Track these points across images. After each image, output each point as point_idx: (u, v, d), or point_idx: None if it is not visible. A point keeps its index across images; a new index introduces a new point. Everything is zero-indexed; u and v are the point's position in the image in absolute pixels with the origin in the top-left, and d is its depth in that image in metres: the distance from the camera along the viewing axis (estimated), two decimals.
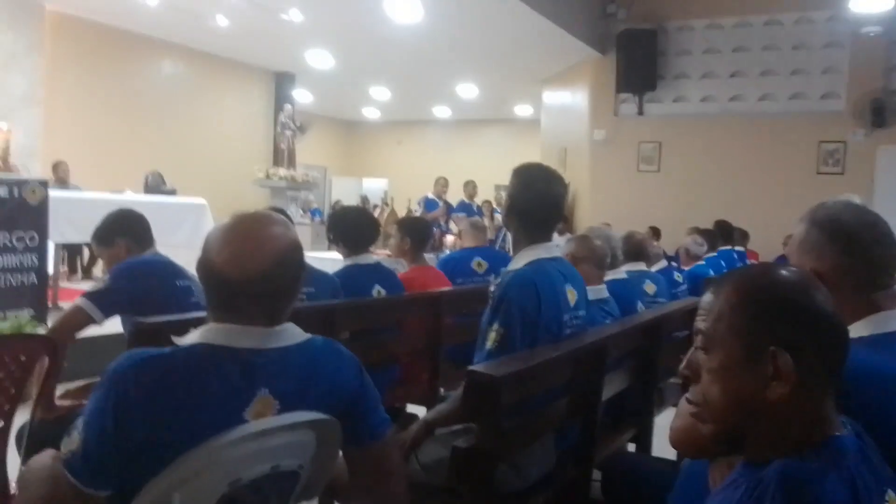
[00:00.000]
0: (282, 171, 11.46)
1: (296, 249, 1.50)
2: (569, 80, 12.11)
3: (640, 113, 10.80)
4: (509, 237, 9.46)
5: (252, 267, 1.42)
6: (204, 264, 1.45)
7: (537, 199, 2.42)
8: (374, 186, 19.40)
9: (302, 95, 15.68)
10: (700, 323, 1.14)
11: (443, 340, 3.67)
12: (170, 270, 2.95)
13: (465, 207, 10.15)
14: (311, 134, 15.57)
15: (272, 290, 1.44)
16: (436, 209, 10.00)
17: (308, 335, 1.53)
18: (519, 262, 2.43)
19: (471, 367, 1.95)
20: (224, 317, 1.44)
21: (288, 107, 12.37)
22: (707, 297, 1.14)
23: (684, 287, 5.38)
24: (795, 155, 9.89)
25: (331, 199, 18.65)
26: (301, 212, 12.99)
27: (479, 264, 4.75)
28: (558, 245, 2.66)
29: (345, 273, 3.55)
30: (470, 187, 10.54)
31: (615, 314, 3.15)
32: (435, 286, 4.07)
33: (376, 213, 13.46)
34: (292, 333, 1.50)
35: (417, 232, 4.21)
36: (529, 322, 2.28)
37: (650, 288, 4.05)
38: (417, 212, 10.49)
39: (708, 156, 10.47)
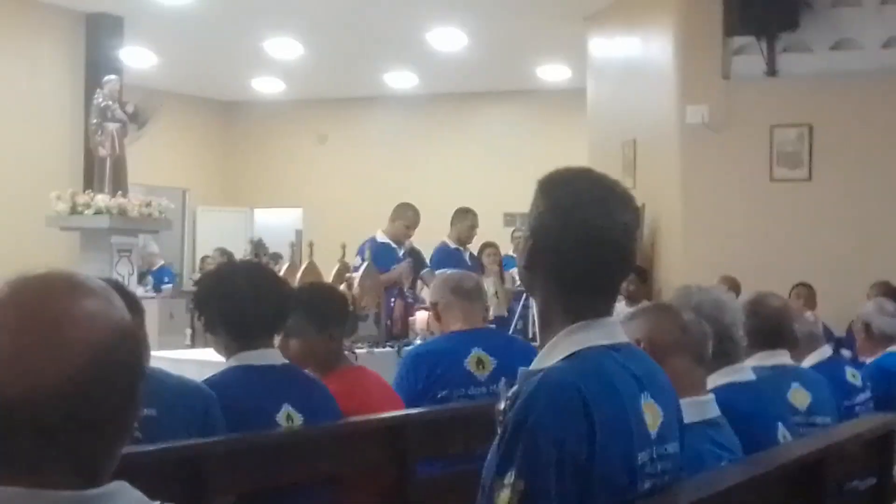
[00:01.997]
0: (101, 200, 11.46)
1: (124, 340, 1.52)
2: (635, 16, 12.32)
3: (772, 72, 10.95)
4: (533, 309, 9.49)
5: (41, 379, 1.43)
6: None
7: (585, 239, 2.46)
8: (276, 222, 19.43)
9: (138, 56, 15.84)
10: None
11: None
12: None
13: (449, 257, 10.14)
14: (157, 128, 15.58)
15: (83, 421, 1.45)
16: (394, 263, 9.98)
17: None
18: (552, 354, 2.44)
19: None
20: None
21: (112, 80, 12.42)
22: None
23: (865, 394, 5.40)
24: None
25: (195, 248, 18.61)
26: (138, 277, 12.91)
27: (478, 362, 4.79)
28: (622, 321, 2.68)
29: (226, 383, 3.60)
30: (466, 222, 10.56)
31: (733, 448, 3.16)
32: (381, 405, 4.13)
33: (281, 273, 13.25)
34: (126, 503, 1.51)
35: (322, 310, 4.30)
36: (574, 469, 2.29)
37: (800, 398, 4.07)
38: (358, 269, 10.43)
39: None
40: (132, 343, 1.53)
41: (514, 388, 2.44)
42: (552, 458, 2.27)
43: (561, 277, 2.48)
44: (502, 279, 11.45)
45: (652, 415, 2.47)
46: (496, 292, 11.43)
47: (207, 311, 3.71)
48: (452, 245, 10.49)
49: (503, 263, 11.76)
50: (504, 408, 2.41)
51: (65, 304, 1.48)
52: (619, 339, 2.52)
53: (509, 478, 2.27)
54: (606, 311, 2.52)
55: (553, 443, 2.27)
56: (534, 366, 2.48)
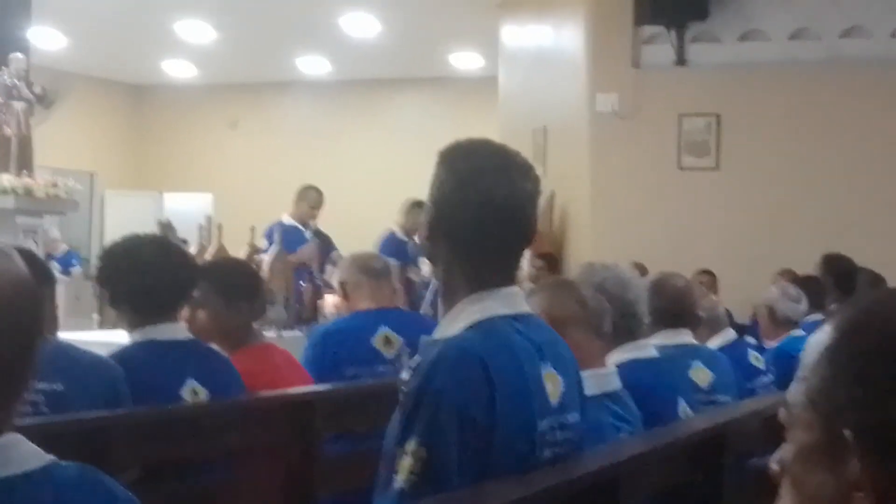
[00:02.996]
0: (6, 180, 11.30)
1: (21, 295, 1.53)
2: (547, 4, 12.36)
3: (682, 62, 11.07)
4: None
5: None
6: None
7: (487, 207, 2.48)
8: (186, 207, 19.24)
9: (47, 37, 15.63)
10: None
11: (317, 486, 3.73)
12: None
13: (394, 246, 10.08)
14: (64, 108, 15.38)
15: None
16: (301, 245, 9.95)
17: (50, 459, 1.56)
18: (454, 324, 2.47)
19: None
20: None
21: (18, 57, 12.26)
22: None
23: (768, 377, 5.48)
24: None
25: (102, 232, 18.40)
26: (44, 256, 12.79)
27: (385, 340, 4.81)
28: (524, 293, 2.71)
29: (129, 357, 3.59)
30: (412, 213, 10.47)
31: (634, 421, 3.21)
32: (289, 383, 4.13)
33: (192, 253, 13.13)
34: (19, 454, 1.53)
35: (232, 283, 4.30)
36: (474, 435, 2.32)
37: (702, 376, 4.14)
38: (265, 251, 10.37)
39: (807, 139, 10.80)
40: (31, 300, 1.54)
41: (416, 357, 2.46)
42: (454, 425, 2.30)
43: (463, 246, 2.50)
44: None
45: (553, 384, 2.50)
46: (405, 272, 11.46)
47: (111, 284, 3.69)
48: (399, 233, 10.44)
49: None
50: (407, 376, 2.43)
51: None
52: (521, 308, 2.55)
53: (410, 445, 2.29)
54: (509, 280, 2.55)
55: (454, 410, 2.30)
56: (435, 335, 2.51)
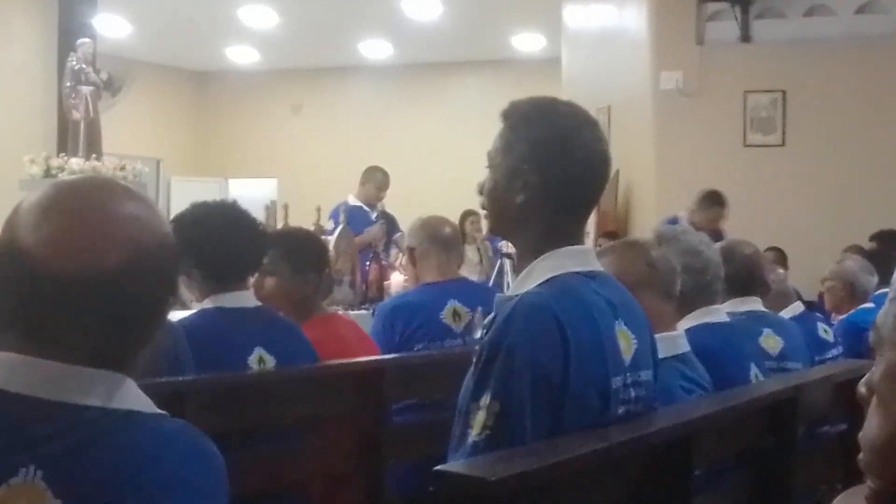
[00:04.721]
0: (75, 163, 11.41)
1: (167, 245, 1.63)
2: None
3: (746, 38, 10.99)
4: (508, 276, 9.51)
5: (90, 257, 1.52)
6: (2, 248, 1.56)
7: (588, 160, 2.51)
8: (251, 192, 19.32)
9: (112, 24, 15.75)
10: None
11: (387, 454, 3.73)
12: None
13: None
14: (130, 95, 15.54)
15: (111, 311, 1.55)
16: (367, 226, 9.95)
17: (159, 412, 1.64)
18: (528, 280, 2.48)
19: (440, 468, 1.99)
20: (8, 338, 1.54)
21: (85, 43, 12.37)
22: None
23: (837, 350, 5.44)
24: None
25: (169, 218, 18.56)
26: None
27: (454, 313, 4.80)
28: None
29: (198, 324, 3.61)
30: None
31: (705, 384, 3.20)
32: (357, 352, 4.15)
33: None
34: (138, 398, 1.62)
35: (300, 252, 4.31)
36: (548, 390, 2.33)
37: (772, 343, 4.12)
38: (333, 232, 10.36)
39: (874, 115, 10.69)
40: (170, 254, 1.64)
41: (491, 315, 2.47)
42: (527, 379, 2.30)
43: (553, 204, 2.51)
44: (485, 248, 11.45)
45: (626, 341, 2.51)
46: (480, 259, 11.48)
47: (184, 249, 3.67)
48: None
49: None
50: (481, 334, 2.44)
51: (112, 200, 1.60)
52: (595, 266, 2.56)
53: (484, 399, 2.31)
54: (580, 238, 2.57)
55: (528, 364, 2.31)
56: (510, 292, 2.52)
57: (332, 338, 4.17)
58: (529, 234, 2.56)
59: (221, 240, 3.67)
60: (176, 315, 4.52)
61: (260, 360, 3.63)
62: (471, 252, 12.22)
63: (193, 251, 3.63)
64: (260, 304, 3.82)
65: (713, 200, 9.72)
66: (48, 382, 1.52)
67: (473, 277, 9.82)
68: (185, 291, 4.40)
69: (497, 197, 2.59)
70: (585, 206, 2.57)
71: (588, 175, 2.52)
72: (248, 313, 3.71)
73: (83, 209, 1.56)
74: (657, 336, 2.85)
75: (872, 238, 8.33)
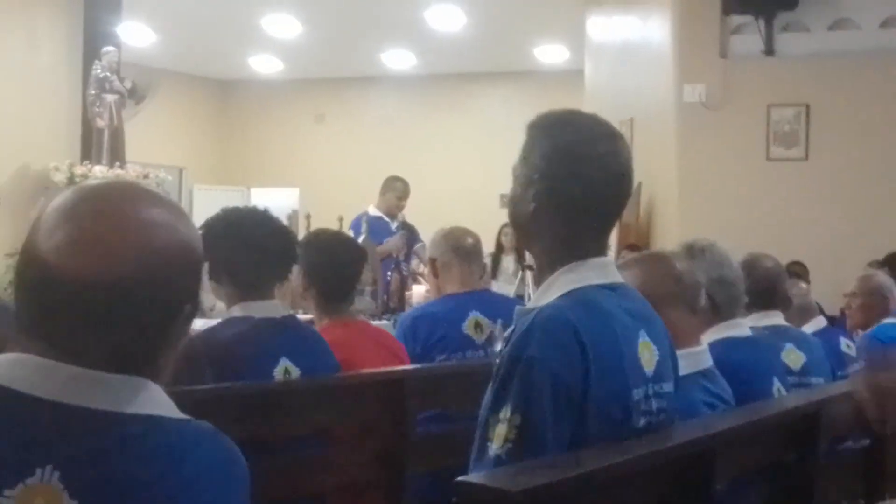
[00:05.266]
0: (99, 171, 11.46)
1: (187, 252, 1.64)
2: None
3: (770, 52, 10.96)
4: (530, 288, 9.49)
5: (104, 263, 1.54)
6: (23, 253, 1.58)
7: (601, 175, 2.50)
8: (273, 202, 19.35)
9: (136, 33, 15.80)
10: None
11: (409, 464, 3.71)
12: None
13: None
14: (154, 104, 15.59)
15: (126, 316, 1.57)
16: (388, 236, 9.95)
17: (183, 417, 1.65)
18: (548, 293, 2.48)
19: (462, 478, 1.99)
20: (33, 343, 1.56)
21: (110, 51, 12.42)
22: None
23: (860, 365, 5.42)
24: None
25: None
26: None
27: (476, 325, 4.80)
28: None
29: (224, 333, 3.62)
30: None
31: (727, 399, 3.19)
32: (380, 361, 4.14)
33: None
34: (161, 401, 1.63)
35: (323, 256, 4.31)
36: (568, 402, 2.33)
37: (794, 358, 4.11)
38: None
39: None
40: (191, 260, 1.65)
41: (511, 328, 2.47)
42: (547, 392, 2.30)
43: (570, 217, 2.51)
44: (522, 257, 11.45)
45: (648, 353, 2.51)
46: (516, 270, 11.49)
47: (212, 255, 3.63)
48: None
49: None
50: (500, 347, 2.45)
51: (132, 203, 1.61)
52: (615, 278, 2.56)
53: (505, 412, 2.31)
54: (602, 250, 2.56)
55: (548, 376, 2.31)
56: (530, 304, 2.52)
57: (353, 335, 4.21)
58: (543, 245, 2.57)
59: (254, 247, 3.68)
60: (199, 323, 4.54)
61: (285, 371, 3.63)
62: (507, 262, 12.29)
63: (224, 257, 3.64)
64: (287, 312, 3.84)
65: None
66: (67, 386, 1.54)
67: (510, 288, 9.86)
68: (205, 299, 4.44)
69: (514, 207, 2.63)
70: (602, 218, 2.56)
71: (600, 187, 2.50)
72: (276, 323, 3.70)
73: (99, 214, 1.58)
74: (681, 352, 2.85)
75: (884, 263, 8.21)
